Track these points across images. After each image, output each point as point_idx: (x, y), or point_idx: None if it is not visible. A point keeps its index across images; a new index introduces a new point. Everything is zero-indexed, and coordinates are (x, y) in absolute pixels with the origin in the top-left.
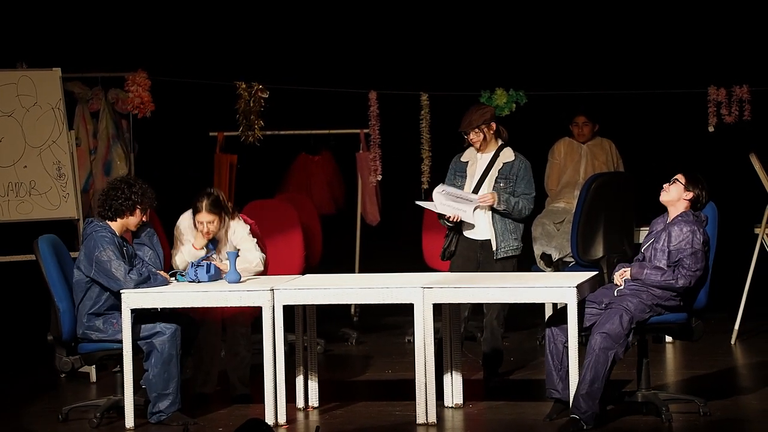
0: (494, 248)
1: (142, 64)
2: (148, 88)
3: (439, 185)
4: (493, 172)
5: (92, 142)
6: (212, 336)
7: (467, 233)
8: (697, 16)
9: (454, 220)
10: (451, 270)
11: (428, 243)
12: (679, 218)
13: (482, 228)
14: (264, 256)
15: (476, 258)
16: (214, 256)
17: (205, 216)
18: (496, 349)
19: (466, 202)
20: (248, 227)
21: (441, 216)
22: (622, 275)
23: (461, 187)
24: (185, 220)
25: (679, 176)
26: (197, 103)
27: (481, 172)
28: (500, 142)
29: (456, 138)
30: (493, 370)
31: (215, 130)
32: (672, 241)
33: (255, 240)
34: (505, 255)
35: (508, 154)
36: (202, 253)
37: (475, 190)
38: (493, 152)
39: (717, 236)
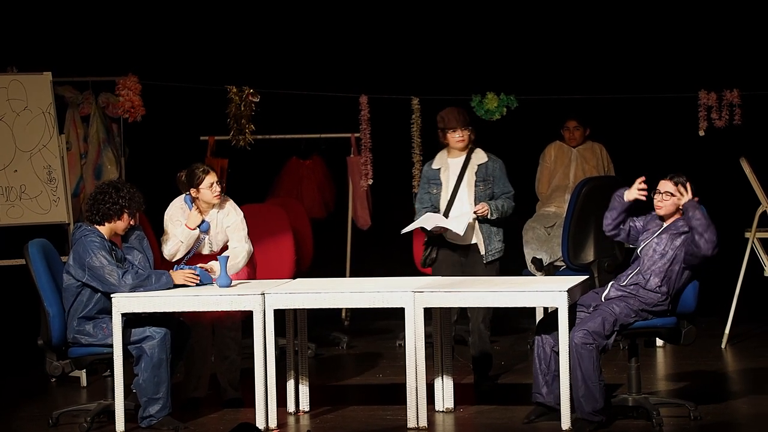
0: (483, 252)
1: (133, 68)
2: (138, 92)
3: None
4: (470, 176)
5: (83, 146)
6: (203, 340)
7: (450, 238)
8: (688, 20)
9: (437, 232)
10: (435, 275)
11: (419, 247)
12: (681, 223)
13: (467, 232)
14: (251, 248)
15: (460, 262)
16: (207, 240)
17: (212, 177)
18: (485, 352)
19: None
20: (242, 214)
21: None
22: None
23: (437, 196)
24: (174, 205)
25: (671, 187)
26: (188, 107)
27: (456, 177)
28: (469, 145)
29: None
30: (484, 373)
31: (206, 134)
32: (675, 243)
33: (246, 230)
34: (492, 258)
35: (480, 156)
36: (196, 233)
37: (453, 195)
38: (465, 155)
39: None
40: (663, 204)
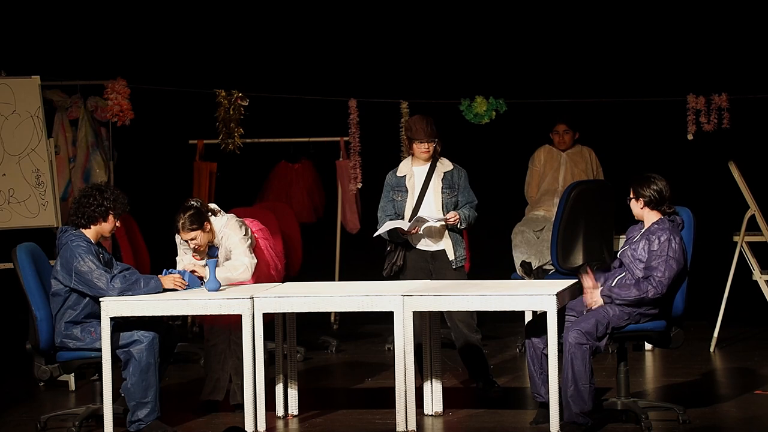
0: (452, 258)
1: (122, 71)
2: (127, 96)
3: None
4: (436, 183)
5: (71, 150)
6: (221, 344)
7: (419, 245)
8: (676, 25)
9: (414, 232)
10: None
11: None
12: (656, 226)
13: (434, 238)
14: (253, 261)
15: (428, 268)
16: (221, 258)
17: (186, 235)
18: (470, 343)
19: (426, 222)
20: (240, 233)
21: (392, 236)
22: (591, 298)
23: (402, 203)
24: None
25: (630, 190)
26: (177, 111)
27: (422, 184)
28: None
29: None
30: (486, 377)
31: (195, 138)
32: (651, 248)
33: (247, 244)
34: (460, 264)
35: (445, 164)
36: (203, 262)
37: (419, 202)
38: (430, 163)
39: (695, 243)
40: (630, 205)
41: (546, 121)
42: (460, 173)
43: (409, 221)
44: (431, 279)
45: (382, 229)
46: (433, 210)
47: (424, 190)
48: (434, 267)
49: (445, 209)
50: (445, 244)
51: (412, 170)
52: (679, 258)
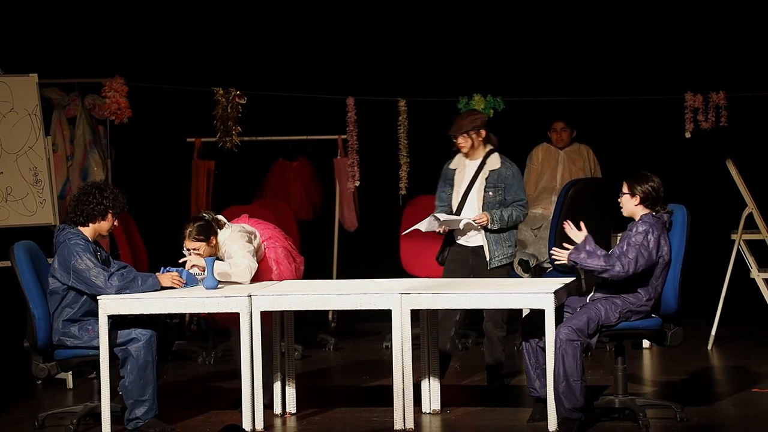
0: (488, 258)
1: (119, 70)
2: (125, 94)
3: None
4: (480, 181)
5: (69, 148)
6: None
7: (459, 239)
8: (674, 23)
9: (443, 232)
10: (445, 274)
11: (406, 249)
12: (639, 221)
13: (474, 235)
14: (253, 265)
15: (468, 263)
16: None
17: (189, 243)
18: (495, 357)
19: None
20: (239, 241)
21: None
22: (560, 254)
23: (450, 196)
24: None
25: (623, 186)
26: (175, 109)
27: (469, 181)
28: (488, 148)
29: (433, 144)
30: (496, 375)
31: (193, 136)
32: (628, 236)
33: (248, 248)
34: (499, 264)
35: (494, 161)
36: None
37: (463, 199)
38: (481, 159)
39: (692, 241)
40: (622, 204)
41: (544, 119)
42: (508, 171)
43: (443, 217)
44: (471, 274)
45: (412, 228)
46: (475, 209)
47: (469, 188)
48: (474, 263)
49: (486, 209)
50: (482, 241)
51: (463, 164)
52: (652, 251)
